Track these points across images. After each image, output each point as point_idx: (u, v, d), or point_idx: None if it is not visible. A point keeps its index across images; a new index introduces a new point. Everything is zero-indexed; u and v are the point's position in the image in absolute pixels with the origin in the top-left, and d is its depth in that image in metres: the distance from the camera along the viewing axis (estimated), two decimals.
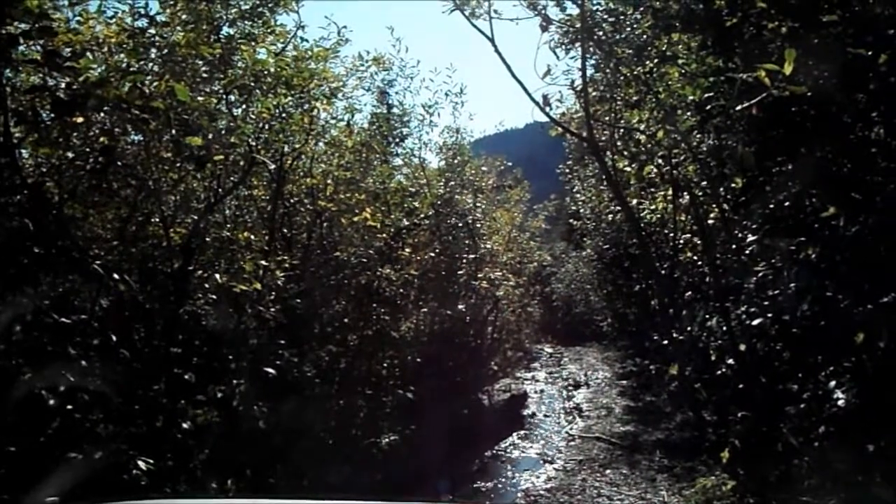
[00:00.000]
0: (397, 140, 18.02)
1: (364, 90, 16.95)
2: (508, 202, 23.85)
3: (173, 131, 7.37)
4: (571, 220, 29.18)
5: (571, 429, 17.80)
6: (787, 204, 8.76)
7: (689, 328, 11.96)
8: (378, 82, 17.49)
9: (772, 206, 8.96)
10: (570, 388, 23.91)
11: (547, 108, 10.69)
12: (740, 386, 9.44)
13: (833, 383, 7.45)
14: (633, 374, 24.02)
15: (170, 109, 6.59)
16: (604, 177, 13.31)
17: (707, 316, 11.34)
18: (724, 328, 9.80)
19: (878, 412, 6.97)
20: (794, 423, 8.18)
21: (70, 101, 5.49)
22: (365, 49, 15.25)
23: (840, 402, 7.27)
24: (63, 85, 5.73)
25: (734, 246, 9.93)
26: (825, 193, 8.08)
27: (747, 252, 9.44)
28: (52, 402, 6.50)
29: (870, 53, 7.44)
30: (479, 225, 18.91)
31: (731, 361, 9.73)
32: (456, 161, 19.10)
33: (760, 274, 8.79)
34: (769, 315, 8.49)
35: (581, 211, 23.64)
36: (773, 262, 8.68)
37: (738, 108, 7.36)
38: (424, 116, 17.91)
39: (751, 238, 9.27)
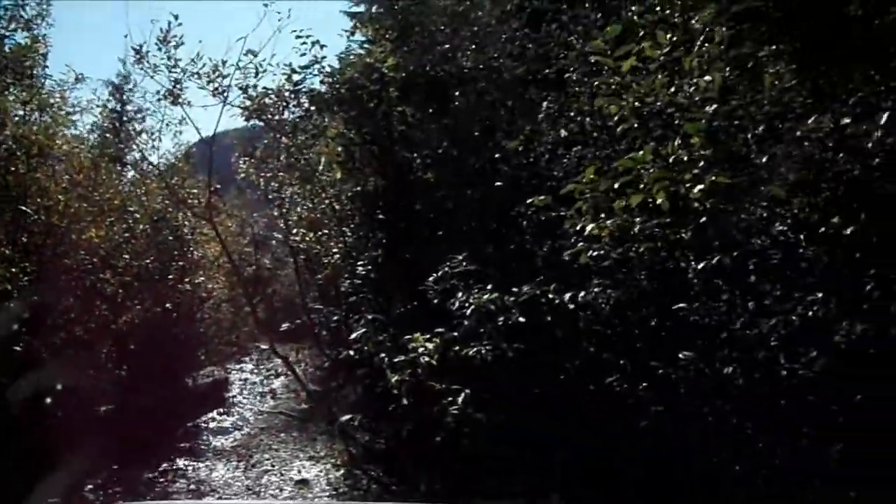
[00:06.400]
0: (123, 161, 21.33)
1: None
2: (223, 213, 26.76)
3: None
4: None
5: (263, 406, 21.91)
6: None
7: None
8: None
9: None
10: (272, 377, 27.62)
11: None
12: None
13: None
14: (329, 366, 28.12)
15: None
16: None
17: None
18: None
19: None
20: None
21: None
22: None
23: None
24: None
25: None
26: None
27: None
28: None
29: None
30: (189, 235, 22.28)
31: None
32: (174, 179, 22.22)
33: None
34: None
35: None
36: None
37: None
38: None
39: None
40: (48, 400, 14.51)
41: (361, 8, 18.33)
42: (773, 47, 8.44)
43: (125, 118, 22.77)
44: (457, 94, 11.74)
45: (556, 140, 10.07)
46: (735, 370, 6.34)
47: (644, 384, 6.81)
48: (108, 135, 21.24)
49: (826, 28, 8.55)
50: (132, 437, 15.93)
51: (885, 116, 6.30)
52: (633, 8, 8.74)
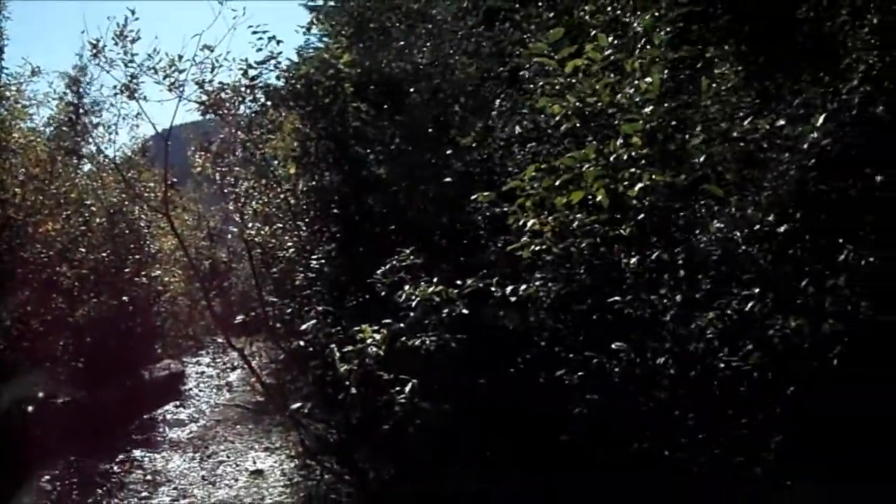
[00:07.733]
0: (80, 154, 21.34)
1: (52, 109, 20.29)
2: (179, 207, 26.81)
3: None
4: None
5: (219, 399, 21.94)
6: None
7: None
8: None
9: None
10: (228, 370, 27.63)
11: None
12: None
13: None
14: (283, 358, 28.24)
15: None
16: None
17: None
18: None
19: None
20: None
21: None
22: None
23: None
24: None
25: None
26: None
27: None
28: None
29: None
30: (146, 228, 22.39)
31: None
32: (131, 173, 22.22)
33: None
34: None
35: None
36: None
37: None
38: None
39: None
40: (4, 392, 14.55)
41: (320, 1, 18.32)
42: (720, 49, 8.74)
43: (82, 111, 22.59)
44: (411, 90, 11.85)
45: (510, 137, 10.25)
46: (667, 361, 6.56)
47: (580, 373, 6.98)
48: (64, 128, 21.27)
49: (775, 30, 8.87)
50: (89, 429, 15.98)
51: (821, 118, 6.58)
52: (586, 7, 8.94)
